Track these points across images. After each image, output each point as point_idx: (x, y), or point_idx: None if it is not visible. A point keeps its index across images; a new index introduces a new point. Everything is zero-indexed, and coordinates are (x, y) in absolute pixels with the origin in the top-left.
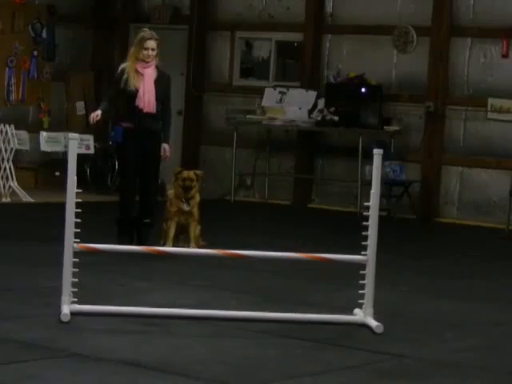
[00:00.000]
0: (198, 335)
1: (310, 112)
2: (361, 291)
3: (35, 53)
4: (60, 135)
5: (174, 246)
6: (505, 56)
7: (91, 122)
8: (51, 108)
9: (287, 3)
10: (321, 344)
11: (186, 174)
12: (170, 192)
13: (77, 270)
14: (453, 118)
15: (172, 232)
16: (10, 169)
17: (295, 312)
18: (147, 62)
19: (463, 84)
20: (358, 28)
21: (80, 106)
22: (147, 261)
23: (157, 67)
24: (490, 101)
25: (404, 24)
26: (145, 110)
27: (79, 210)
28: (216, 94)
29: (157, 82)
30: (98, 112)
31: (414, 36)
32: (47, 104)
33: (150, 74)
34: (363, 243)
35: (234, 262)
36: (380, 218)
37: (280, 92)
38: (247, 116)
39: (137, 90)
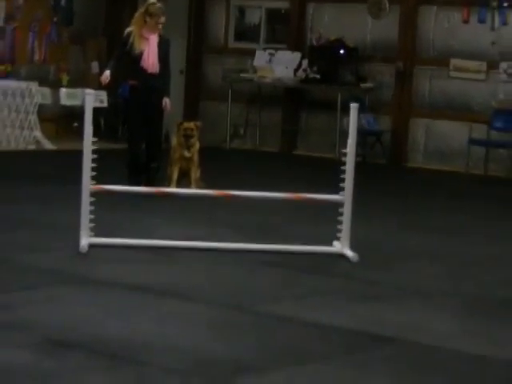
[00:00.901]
0: (199, 264)
1: (296, 71)
2: (339, 226)
3: (55, 19)
4: (77, 91)
5: (177, 187)
6: (466, 21)
7: (102, 83)
8: (69, 67)
9: None
10: (305, 271)
11: (186, 125)
12: (174, 140)
13: (93, 208)
14: (420, 76)
15: (175, 175)
16: (34, 120)
17: (283, 244)
18: (154, 32)
19: (429, 47)
20: None
21: (95, 65)
22: (154, 200)
23: (159, 33)
24: (452, 61)
25: None
26: (149, 71)
27: (94, 156)
28: (213, 55)
29: (159, 46)
30: (107, 73)
31: (387, 4)
32: (66, 64)
33: (153, 39)
34: (341, 185)
35: (230, 200)
36: (356, 163)
37: (269, 53)
38: (240, 74)
39: (142, 53)
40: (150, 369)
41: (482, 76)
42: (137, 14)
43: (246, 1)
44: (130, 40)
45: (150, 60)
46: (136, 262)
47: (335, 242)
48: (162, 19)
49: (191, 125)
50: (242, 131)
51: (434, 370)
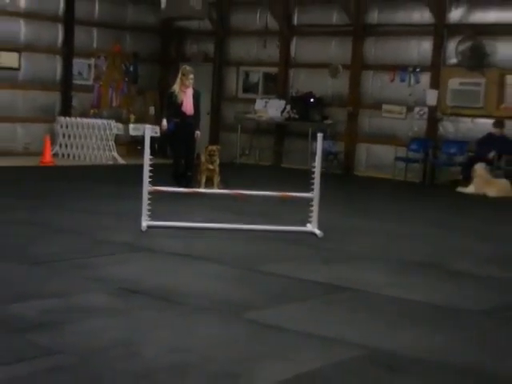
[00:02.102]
0: (220, 239)
1: (282, 112)
2: (310, 214)
3: (126, 79)
4: (140, 126)
5: (204, 189)
6: (392, 80)
7: (162, 129)
8: (135, 110)
9: (269, 51)
10: (288, 243)
11: (210, 148)
12: (202, 158)
13: (149, 201)
14: (362, 116)
15: (203, 181)
16: (112, 145)
17: (274, 225)
18: (188, 86)
19: (368, 97)
20: (309, 65)
21: (151, 109)
22: (190, 198)
23: (193, 87)
24: (384, 106)
25: (335, 62)
26: (187, 113)
27: (151, 168)
28: (228, 102)
29: (193, 96)
30: (164, 122)
31: (341, 69)
32: (133, 108)
33: (189, 91)
34: (312, 187)
35: (239, 197)
36: (321, 173)
37: (265, 101)
38: (246, 115)
39: (182, 102)
40: (187, 307)
41: (402, 116)
42: (179, 77)
43: (249, 67)
44: (174, 94)
45: (188, 106)
46: (179, 237)
47: (308, 224)
48: (191, 76)
49: (214, 148)
50: (247, 152)
51: (375, 308)
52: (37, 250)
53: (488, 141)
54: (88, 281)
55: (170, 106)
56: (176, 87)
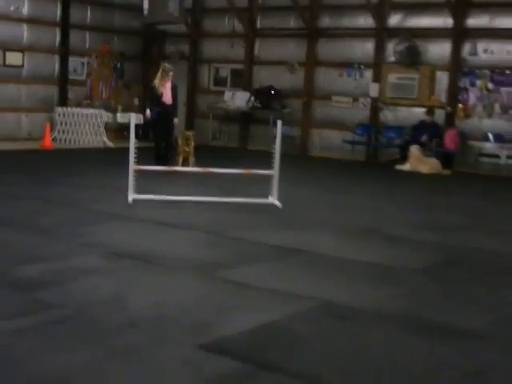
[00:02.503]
0: (199, 211)
1: (247, 103)
2: (271, 188)
3: (114, 75)
4: (126, 114)
5: (181, 167)
6: (341, 75)
7: (147, 118)
8: (122, 101)
9: (236, 51)
10: (253, 213)
11: (187, 133)
12: (180, 141)
13: (134, 178)
14: (315, 106)
15: (180, 161)
16: (102, 131)
17: (241, 198)
18: (167, 81)
19: (320, 89)
20: (270, 62)
21: (136, 100)
22: (168, 175)
23: (171, 81)
24: (333, 97)
25: (292, 60)
26: (166, 103)
27: (136, 150)
28: (201, 94)
29: (172, 89)
30: (148, 112)
31: (297, 66)
32: (120, 99)
33: (168, 85)
34: (272, 165)
35: (210, 174)
36: (280, 153)
37: (232, 93)
38: (217, 104)
39: (162, 93)
40: (166, 267)
41: (349, 105)
42: (159, 72)
43: (219, 64)
44: (156, 87)
45: (167, 97)
46: (160, 208)
47: (269, 197)
48: (171, 73)
49: (189, 133)
50: (217, 136)
51: (327, 267)
52: (39, 220)
53: (421, 126)
54: (83, 246)
55: (152, 97)
56: (157, 81)
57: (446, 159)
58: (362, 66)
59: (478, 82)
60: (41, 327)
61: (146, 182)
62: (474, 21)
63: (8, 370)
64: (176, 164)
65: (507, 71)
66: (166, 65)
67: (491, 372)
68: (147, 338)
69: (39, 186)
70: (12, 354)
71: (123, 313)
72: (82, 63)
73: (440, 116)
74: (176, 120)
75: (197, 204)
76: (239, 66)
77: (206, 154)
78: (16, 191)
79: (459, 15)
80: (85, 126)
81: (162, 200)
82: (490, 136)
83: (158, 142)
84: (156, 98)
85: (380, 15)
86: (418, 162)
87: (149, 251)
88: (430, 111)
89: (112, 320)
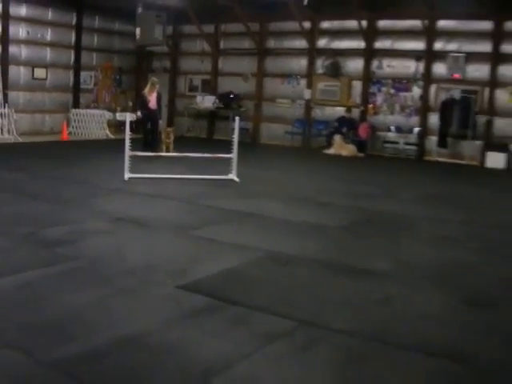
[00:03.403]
0: (178, 185)
1: (213, 104)
2: (231, 167)
3: (114, 84)
4: (123, 114)
5: (164, 153)
6: (282, 83)
7: (137, 117)
8: (120, 104)
9: (205, 66)
10: (217, 187)
11: (168, 130)
12: (163, 135)
13: (130, 160)
14: (264, 106)
15: (164, 149)
16: (105, 126)
17: (207, 175)
18: (153, 91)
19: (267, 93)
20: (230, 74)
21: (130, 103)
22: (154, 159)
23: (157, 91)
24: (277, 100)
25: (246, 72)
26: (152, 108)
27: (130, 140)
28: (180, 98)
29: (157, 97)
30: (139, 113)
31: (250, 76)
32: (118, 103)
33: (154, 95)
34: (232, 150)
35: (185, 158)
36: (238, 142)
37: (202, 97)
38: (191, 105)
39: (149, 100)
40: (154, 228)
41: (289, 106)
42: (148, 85)
43: (193, 75)
44: (145, 95)
45: (152, 103)
46: (149, 184)
47: (230, 174)
48: (157, 86)
49: (170, 130)
50: (191, 129)
51: (272, 226)
52: (58, 194)
53: (342, 121)
54: (92, 213)
55: (141, 103)
56: (146, 91)
57: (361, 145)
58: (298, 77)
59: (383, 89)
60: (61, 274)
61: (138, 164)
62: (380, 44)
63: (38, 305)
64: (160, 151)
65: (404, 81)
66: (154, 79)
67: (393, 300)
68: (140, 281)
69: (59, 168)
70: (40, 294)
71: (122, 263)
72: (90, 76)
73: (355, 113)
74: (161, 121)
75: (176, 180)
76: (207, 77)
77: (182, 143)
78: (41, 172)
79: (369, 40)
80: (92, 122)
81: (150, 178)
82: (392, 128)
83: (146, 134)
84: (144, 103)
85: (311, 39)
86: (340, 147)
87: (141, 216)
88: (349, 110)
89: (114, 268)
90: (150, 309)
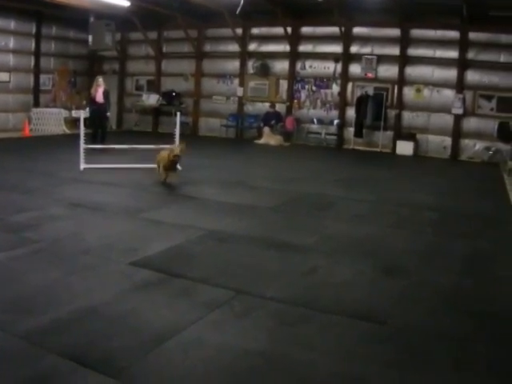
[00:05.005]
0: (128, 174)
1: (157, 101)
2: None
3: (70, 85)
4: (78, 111)
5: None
6: (218, 82)
7: (89, 114)
8: (75, 103)
9: (150, 67)
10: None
11: (175, 148)
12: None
13: (84, 153)
14: (203, 102)
15: (163, 177)
16: (62, 122)
17: (154, 164)
18: (99, 87)
19: (205, 91)
20: (172, 74)
21: (84, 102)
22: (106, 152)
23: (104, 87)
24: (213, 96)
25: (186, 73)
26: (99, 102)
27: (84, 134)
28: (127, 96)
29: (103, 92)
30: (87, 109)
31: (189, 77)
32: (73, 102)
33: (100, 89)
34: (174, 142)
35: (133, 149)
36: (180, 134)
37: (148, 95)
38: (137, 103)
39: (95, 96)
40: (108, 212)
41: (224, 102)
42: (95, 82)
43: (139, 76)
44: (92, 91)
45: (98, 97)
46: (102, 173)
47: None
48: (100, 81)
49: (177, 148)
50: (138, 124)
51: (209, 207)
52: (22, 184)
53: (269, 115)
54: (53, 201)
55: (90, 99)
56: (93, 88)
57: (287, 136)
58: (231, 76)
59: (307, 86)
60: (26, 255)
61: (91, 156)
62: (303, 47)
63: (6, 284)
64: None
65: (324, 79)
66: (98, 77)
67: (318, 270)
68: (96, 259)
69: (22, 161)
70: (7, 274)
71: (82, 244)
72: (49, 78)
73: (282, 108)
74: (108, 114)
75: (126, 170)
76: (152, 77)
77: (130, 136)
78: (6, 165)
79: (294, 43)
80: (51, 120)
81: (103, 168)
82: (315, 120)
83: (94, 128)
84: (91, 99)
85: (243, 43)
86: (269, 137)
87: (96, 202)
88: (273, 105)
89: (73, 249)
90: (106, 283)
